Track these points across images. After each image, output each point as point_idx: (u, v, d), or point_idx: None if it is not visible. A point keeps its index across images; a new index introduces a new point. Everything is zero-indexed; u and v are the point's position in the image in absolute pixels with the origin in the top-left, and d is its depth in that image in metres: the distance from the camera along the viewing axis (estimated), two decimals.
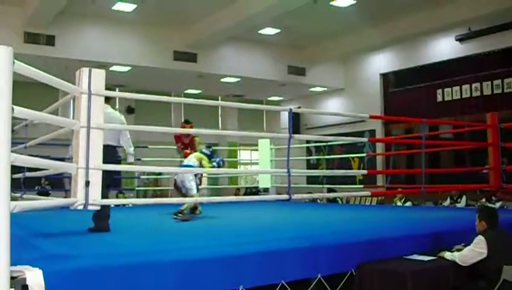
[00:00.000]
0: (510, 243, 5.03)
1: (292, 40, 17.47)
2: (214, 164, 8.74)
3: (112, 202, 5.96)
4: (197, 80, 17.81)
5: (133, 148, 6.31)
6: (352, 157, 17.57)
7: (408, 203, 12.74)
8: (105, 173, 4.36)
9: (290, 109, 5.45)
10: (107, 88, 4.16)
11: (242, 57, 17.37)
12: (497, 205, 11.21)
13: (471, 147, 11.69)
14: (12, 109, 2.61)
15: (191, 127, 9.60)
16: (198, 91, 20.27)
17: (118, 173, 10.61)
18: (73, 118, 4.13)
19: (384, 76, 18.74)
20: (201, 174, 9.09)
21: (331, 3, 13.60)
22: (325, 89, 20.30)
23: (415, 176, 14.66)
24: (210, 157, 8.80)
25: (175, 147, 10.59)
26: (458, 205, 12.36)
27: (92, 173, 3.89)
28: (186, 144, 9.74)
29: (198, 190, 8.29)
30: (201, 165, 8.35)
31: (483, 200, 11.93)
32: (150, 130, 5.02)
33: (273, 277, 4.22)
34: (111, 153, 5.83)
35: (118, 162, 6.30)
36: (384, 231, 5.92)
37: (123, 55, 15.24)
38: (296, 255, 4.47)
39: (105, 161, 4.42)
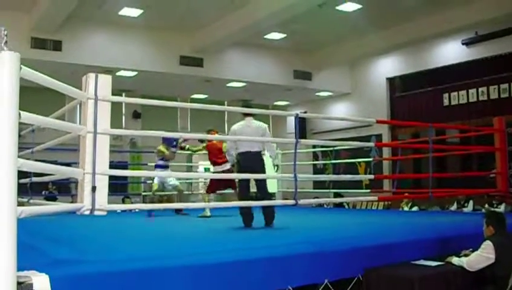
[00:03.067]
0: None
1: (298, 45, 17.48)
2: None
3: (119, 207, 5.96)
4: (204, 84, 17.83)
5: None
6: (359, 162, 17.54)
7: (415, 208, 12.70)
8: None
9: (297, 114, 5.45)
10: (114, 93, 4.16)
11: (248, 62, 17.39)
12: (501, 207, 11.15)
13: (478, 151, 11.67)
14: (19, 114, 2.61)
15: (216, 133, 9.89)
16: (205, 96, 20.28)
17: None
18: (79, 124, 4.14)
19: (391, 80, 18.70)
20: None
21: (337, 7, 13.59)
22: (331, 93, 20.28)
23: (422, 180, 14.62)
24: (168, 142, 10.19)
25: (181, 152, 10.69)
26: (465, 209, 12.31)
27: (99, 179, 3.90)
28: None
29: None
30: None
31: (486, 205, 11.89)
32: (157, 135, 5.04)
33: (280, 282, 4.21)
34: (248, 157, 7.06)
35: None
36: (391, 236, 5.90)
37: (129, 60, 15.27)
38: (302, 260, 4.45)
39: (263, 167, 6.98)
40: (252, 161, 7.07)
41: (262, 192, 7.12)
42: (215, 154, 9.52)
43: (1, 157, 2.43)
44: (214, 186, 9.35)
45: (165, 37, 15.55)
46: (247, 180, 7.21)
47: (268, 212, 7.03)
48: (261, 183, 7.16)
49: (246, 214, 7.06)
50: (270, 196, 7.44)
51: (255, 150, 7.07)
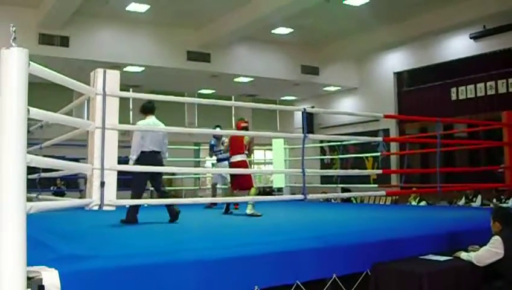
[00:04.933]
0: None
1: (305, 40, 17.45)
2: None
3: (129, 202, 5.98)
4: (211, 79, 17.85)
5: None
6: (366, 157, 17.52)
7: (423, 203, 12.66)
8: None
9: (304, 109, 5.42)
10: (122, 89, 4.17)
11: (255, 57, 17.39)
12: (510, 202, 11.11)
13: (486, 146, 11.62)
14: (28, 110, 2.62)
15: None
16: (212, 91, 20.30)
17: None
18: (87, 119, 4.15)
19: (398, 75, 18.66)
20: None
21: (344, 2, 13.57)
22: (339, 88, 20.26)
23: (430, 175, 14.58)
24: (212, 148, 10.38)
25: (188, 147, 10.69)
26: (473, 204, 12.29)
27: (107, 174, 3.90)
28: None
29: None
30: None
31: (494, 200, 11.86)
32: (164, 130, 5.03)
33: (288, 277, 4.20)
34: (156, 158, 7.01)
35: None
36: (399, 231, 5.88)
37: (137, 56, 15.31)
38: (311, 255, 4.45)
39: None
40: (158, 161, 7.05)
41: (162, 189, 7.25)
42: (240, 146, 8.67)
43: (11, 153, 2.44)
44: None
45: (172, 32, 15.56)
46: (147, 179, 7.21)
47: (172, 210, 7.06)
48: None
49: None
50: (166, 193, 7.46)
51: (159, 150, 7.10)
